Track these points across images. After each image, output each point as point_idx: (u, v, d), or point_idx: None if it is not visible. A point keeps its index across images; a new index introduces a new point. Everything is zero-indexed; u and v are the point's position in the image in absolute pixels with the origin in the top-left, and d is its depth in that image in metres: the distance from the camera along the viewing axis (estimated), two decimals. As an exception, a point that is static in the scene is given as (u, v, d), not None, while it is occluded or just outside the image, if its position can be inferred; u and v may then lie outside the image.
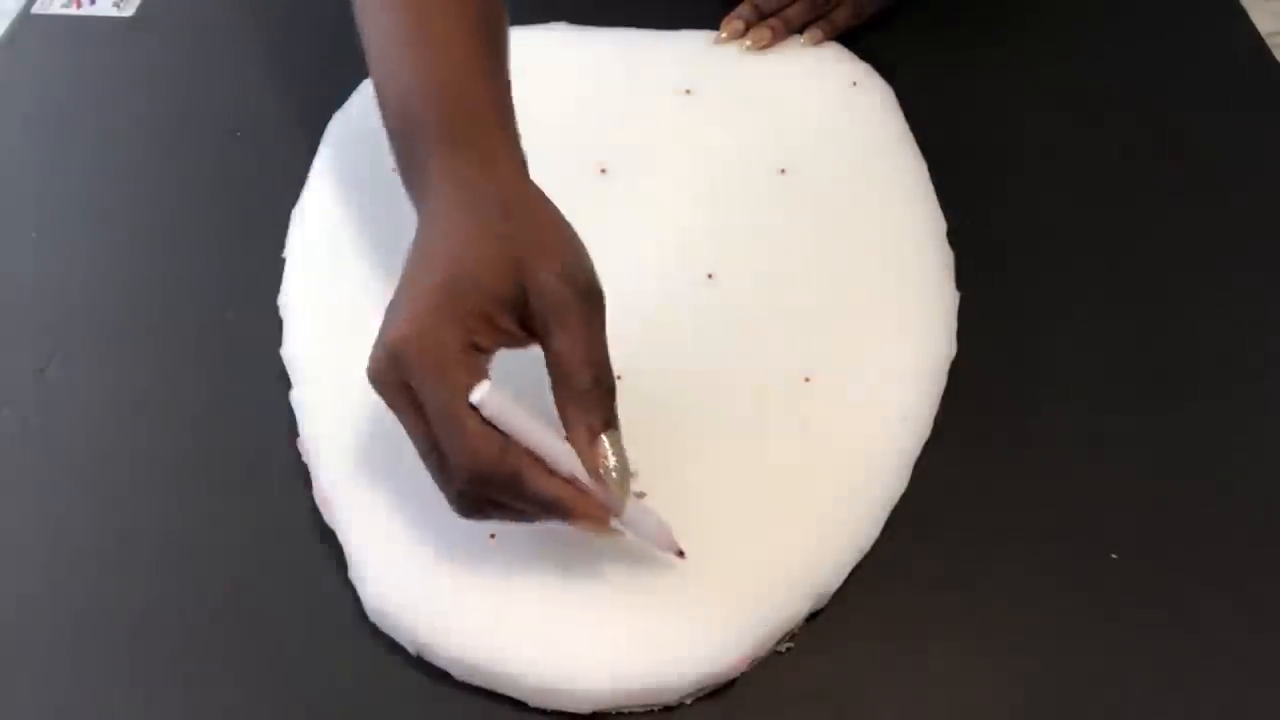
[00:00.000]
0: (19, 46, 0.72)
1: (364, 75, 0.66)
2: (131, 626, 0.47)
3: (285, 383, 0.53)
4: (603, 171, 0.61)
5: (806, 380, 0.52)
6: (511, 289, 0.41)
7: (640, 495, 0.45)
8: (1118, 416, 0.53)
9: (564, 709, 0.44)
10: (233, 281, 0.59)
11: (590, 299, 0.42)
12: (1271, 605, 0.47)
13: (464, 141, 0.46)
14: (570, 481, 0.41)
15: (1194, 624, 0.46)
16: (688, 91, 0.65)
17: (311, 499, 0.49)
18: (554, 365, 0.42)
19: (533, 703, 0.44)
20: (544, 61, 0.67)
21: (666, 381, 0.52)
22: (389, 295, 0.55)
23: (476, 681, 0.45)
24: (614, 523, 0.43)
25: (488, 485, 0.41)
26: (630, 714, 0.44)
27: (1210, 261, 0.59)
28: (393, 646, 0.46)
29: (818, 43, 0.67)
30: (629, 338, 0.53)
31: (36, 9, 0.74)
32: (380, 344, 0.41)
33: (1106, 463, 0.51)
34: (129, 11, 0.74)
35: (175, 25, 0.73)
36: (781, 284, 0.56)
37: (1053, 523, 0.49)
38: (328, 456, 0.50)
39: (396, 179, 0.60)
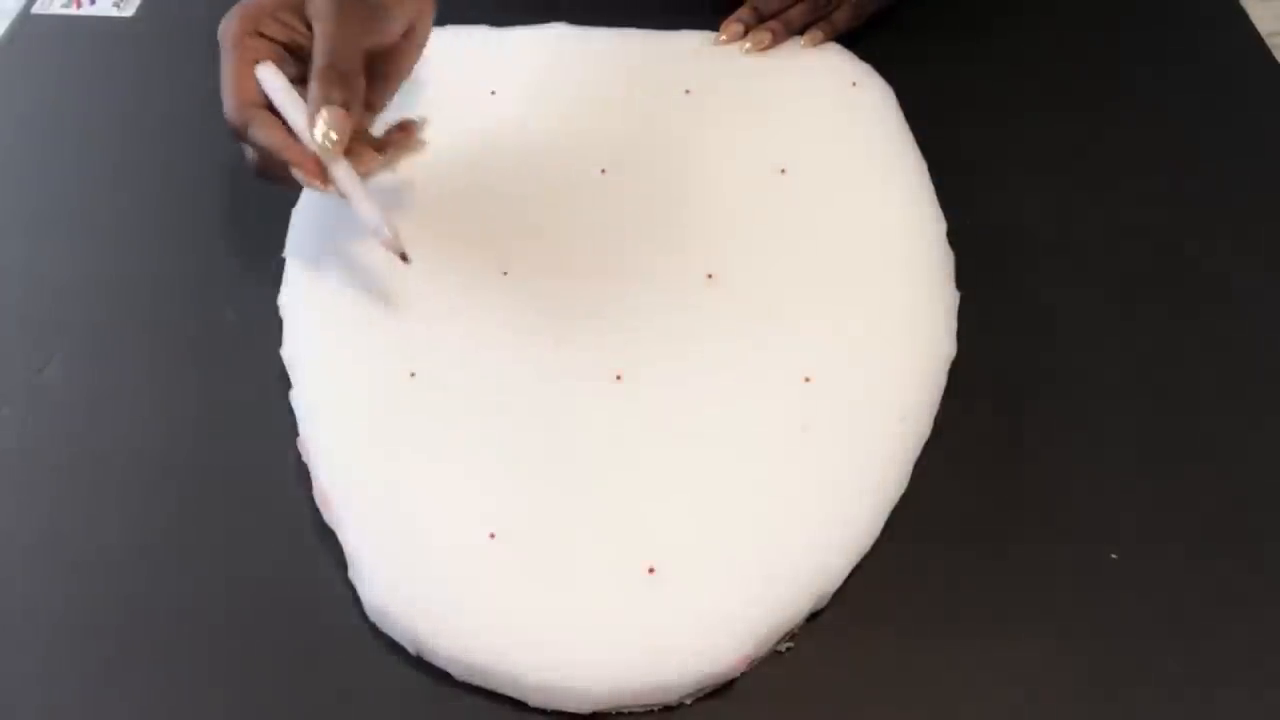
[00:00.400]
0: (19, 46, 0.72)
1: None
2: (131, 626, 0.47)
3: (285, 383, 0.53)
4: (602, 172, 0.61)
5: (806, 380, 0.52)
6: None
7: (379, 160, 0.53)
8: (1118, 416, 0.53)
9: (564, 709, 0.44)
10: (233, 281, 0.59)
11: (359, 2, 0.52)
12: (1272, 605, 0.47)
13: None
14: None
15: (1194, 624, 0.46)
16: (687, 92, 0.65)
17: (311, 499, 0.49)
18: (312, 52, 0.51)
19: (533, 702, 0.44)
20: (544, 61, 0.67)
21: (666, 382, 0.52)
22: (389, 295, 0.56)
23: (476, 681, 0.45)
24: (334, 186, 0.51)
25: (236, 125, 0.51)
26: (630, 714, 0.44)
27: (1210, 261, 0.59)
28: (393, 646, 0.46)
29: (818, 44, 0.67)
30: (629, 338, 0.53)
31: (36, 9, 0.74)
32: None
33: (1106, 463, 0.51)
34: (129, 11, 0.74)
35: (175, 25, 0.73)
36: (781, 284, 0.56)
37: (1053, 523, 0.49)
38: (328, 456, 0.50)
39: (396, 179, 0.61)
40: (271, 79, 0.51)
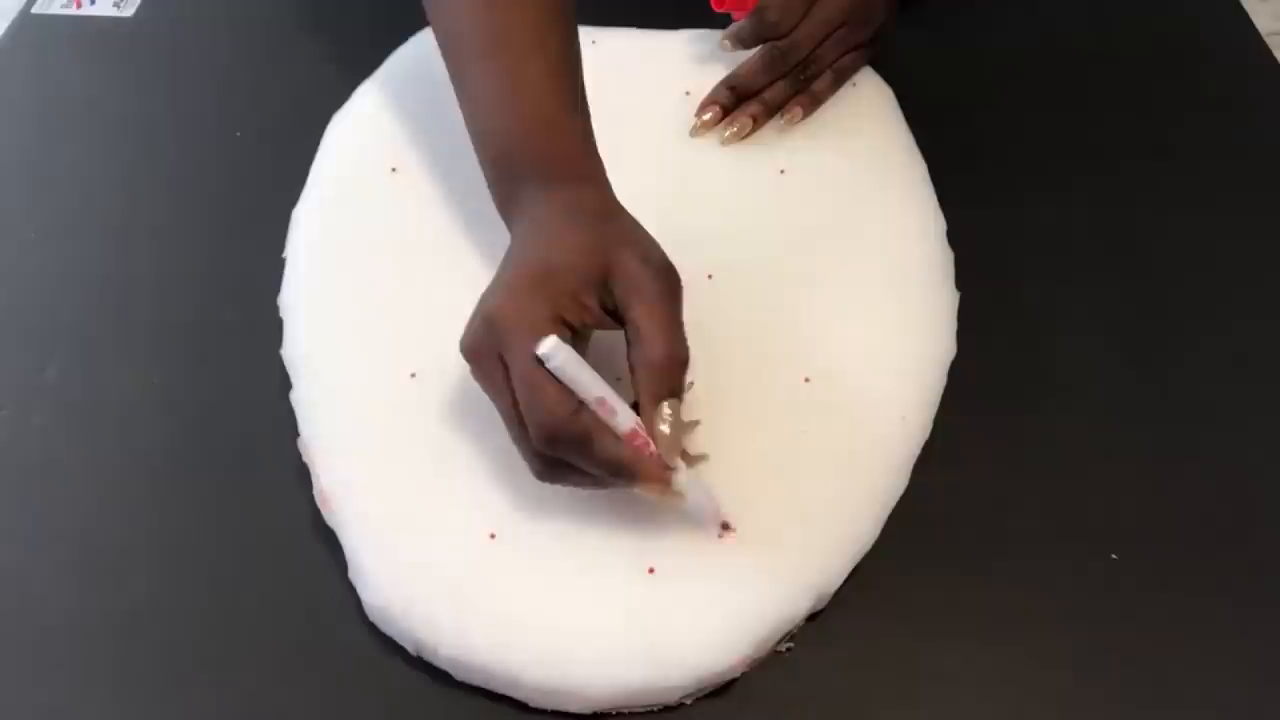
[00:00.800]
0: (19, 46, 0.72)
1: (364, 77, 0.66)
2: (131, 626, 0.47)
3: (285, 383, 0.53)
4: (603, 172, 0.60)
5: (806, 380, 0.52)
6: (597, 271, 0.45)
7: (700, 459, 0.46)
8: (1118, 416, 0.53)
9: (564, 709, 0.44)
10: (233, 281, 0.59)
11: (665, 277, 0.46)
12: (1273, 605, 0.47)
13: (558, 175, 0.50)
14: (631, 440, 0.44)
15: (1194, 624, 0.46)
16: (687, 93, 0.65)
17: (311, 499, 0.49)
18: (631, 336, 0.45)
19: (533, 703, 0.44)
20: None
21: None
22: (388, 295, 0.56)
23: (476, 681, 0.45)
24: (677, 492, 0.45)
25: (560, 444, 0.43)
26: (630, 714, 0.44)
27: (1210, 261, 0.59)
28: (393, 646, 0.46)
29: (798, 121, 0.62)
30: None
31: (36, 9, 0.74)
32: (476, 315, 0.46)
33: (1106, 463, 0.51)
34: (129, 11, 0.74)
35: (175, 25, 0.73)
36: (781, 284, 0.56)
37: (1053, 523, 0.49)
38: (328, 456, 0.50)
39: (396, 180, 0.61)
40: (570, 358, 0.43)
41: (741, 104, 0.63)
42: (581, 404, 0.43)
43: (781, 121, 0.63)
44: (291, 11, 0.73)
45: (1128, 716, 0.44)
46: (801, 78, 0.63)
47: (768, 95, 0.63)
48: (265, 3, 0.74)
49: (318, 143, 0.63)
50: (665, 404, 0.44)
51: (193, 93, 0.69)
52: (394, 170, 0.61)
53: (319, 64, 0.69)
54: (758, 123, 0.62)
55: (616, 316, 0.46)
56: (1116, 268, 0.59)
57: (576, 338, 0.45)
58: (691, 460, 0.46)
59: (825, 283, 0.56)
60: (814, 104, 0.64)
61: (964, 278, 0.57)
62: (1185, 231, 0.60)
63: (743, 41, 0.64)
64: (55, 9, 0.74)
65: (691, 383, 0.46)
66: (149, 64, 0.71)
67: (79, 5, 0.74)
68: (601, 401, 0.43)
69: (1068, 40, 0.71)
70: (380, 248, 0.58)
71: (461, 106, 0.55)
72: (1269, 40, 0.71)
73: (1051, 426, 0.52)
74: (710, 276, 0.56)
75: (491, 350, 0.45)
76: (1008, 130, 0.65)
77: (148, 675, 0.46)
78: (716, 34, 0.67)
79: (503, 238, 0.57)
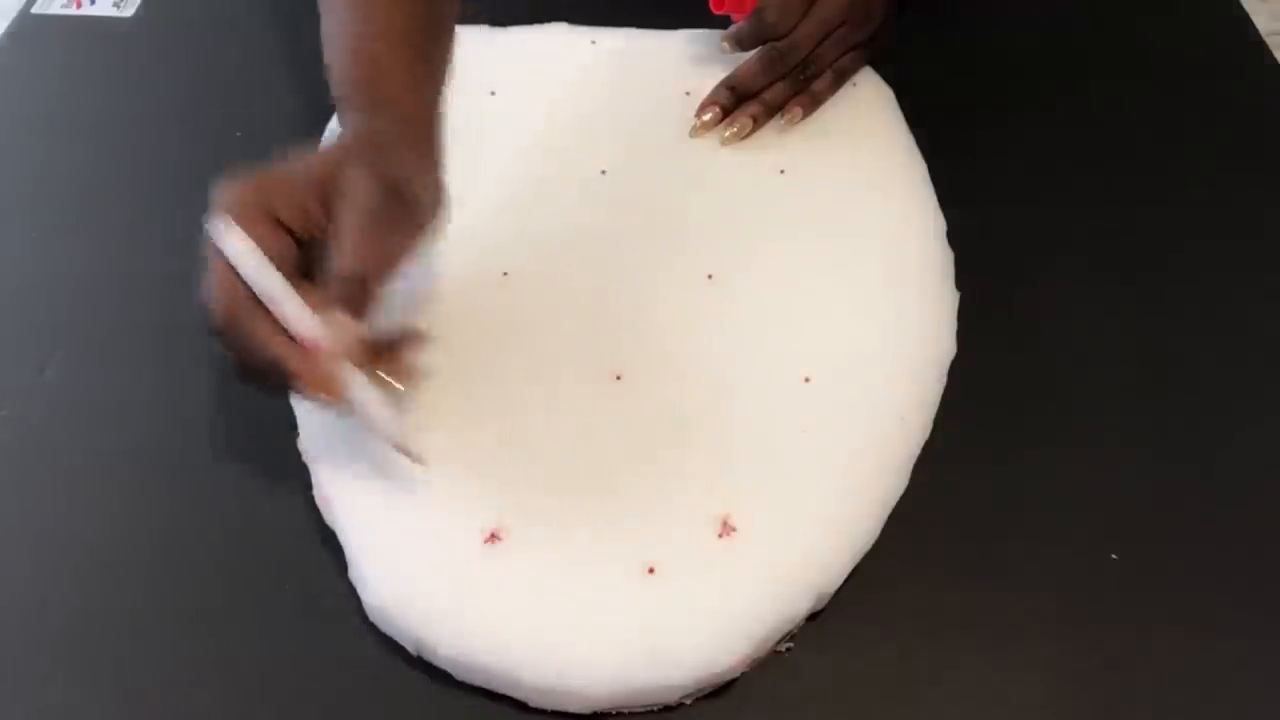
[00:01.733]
0: (19, 46, 0.72)
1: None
2: (130, 626, 0.47)
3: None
4: (603, 172, 0.61)
5: (806, 380, 0.52)
6: (327, 180, 0.45)
7: (402, 397, 0.46)
8: (1118, 416, 0.53)
9: (564, 709, 0.44)
10: (233, 281, 0.59)
11: (390, 198, 0.45)
12: (1272, 605, 0.47)
13: (356, 104, 0.50)
14: (302, 344, 0.43)
15: (1194, 624, 0.46)
16: (687, 93, 0.65)
17: (311, 499, 0.49)
18: (333, 247, 0.44)
19: (533, 703, 0.44)
20: (544, 61, 0.67)
21: (666, 382, 0.52)
22: (388, 294, 0.55)
23: (476, 681, 0.45)
24: (346, 400, 0.44)
25: (222, 334, 0.43)
26: (630, 714, 0.44)
27: (1210, 261, 0.59)
28: (393, 646, 0.46)
29: (798, 121, 0.63)
30: (629, 338, 0.53)
31: (36, 9, 0.74)
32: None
33: (1106, 463, 0.51)
34: (129, 11, 0.74)
35: (175, 25, 0.73)
36: (781, 284, 0.56)
37: (1053, 523, 0.49)
38: (328, 456, 0.50)
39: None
40: (244, 249, 0.43)
41: (741, 104, 0.63)
42: (254, 298, 0.43)
43: (781, 122, 0.63)
44: (292, 11, 0.73)
45: (1128, 716, 0.44)
46: (801, 78, 0.63)
47: (768, 96, 0.63)
48: (265, 3, 0.74)
49: (318, 143, 0.63)
50: (334, 316, 0.43)
51: (193, 93, 0.69)
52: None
53: (319, 64, 0.69)
54: (758, 123, 0.62)
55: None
56: (1116, 268, 0.59)
57: (306, 248, 0.45)
58: (379, 380, 0.45)
59: (825, 283, 0.56)
60: (814, 104, 0.64)
61: (964, 278, 0.57)
62: (1185, 231, 0.60)
63: (742, 43, 0.64)
64: (55, 9, 0.74)
65: (429, 333, 0.46)
66: (149, 64, 0.71)
67: (79, 5, 0.74)
68: (270, 298, 0.43)
69: (1068, 40, 0.71)
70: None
71: (323, 20, 0.55)
72: (1269, 40, 0.71)
73: (1051, 426, 0.52)
74: (710, 276, 0.56)
75: (228, 206, 0.45)
76: (1008, 130, 0.65)
77: (147, 675, 0.46)
78: (716, 34, 0.67)
79: (503, 238, 0.57)
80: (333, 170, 0.45)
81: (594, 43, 0.68)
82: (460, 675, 0.45)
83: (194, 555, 0.49)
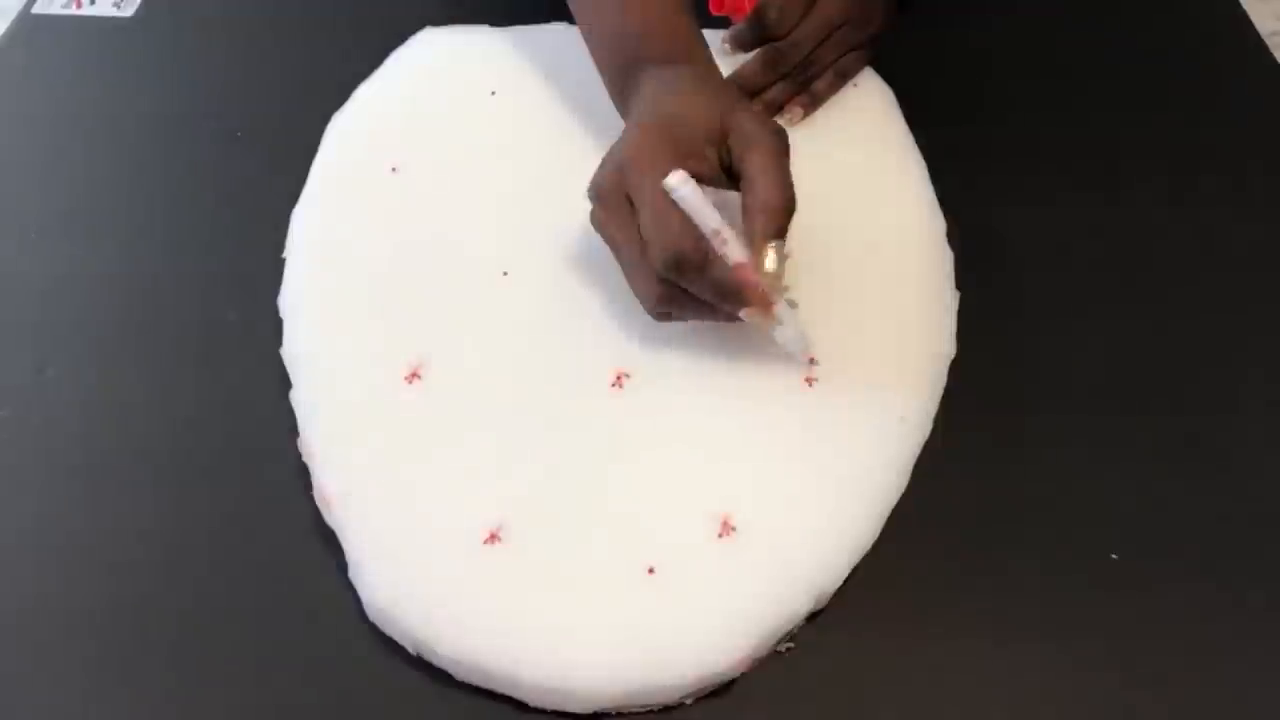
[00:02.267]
0: (19, 46, 0.72)
1: (364, 77, 0.66)
2: (131, 626, 0.47)
3: (285, 383, 0.53)
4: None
5: (807, 381, 0.52)
6: (716, 128, 0.51)
7: (793, 304, 0.50)
8: (1118, 416, 0.53)
9: (564, 709, 0.44)
10: (233, 281, 0.59)
11: (779, 137, 0.50)
12: (1272, 604, 0.47)
13: (676, 58, 0.55)
14: (740, 270, 0.48)
15: (1194, 624, 0.46)
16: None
17: (311, 499, 0.49)
18: (746, 184, 0.49)
19: (533, 702, 0.44)
20: (544, 61, 0.67)
21: (666, 382, 0.52)
22: (389, 295, 0.56)
23: (476, 681, 0.45)
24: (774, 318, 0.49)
25: (681, 268, 0.47)
26: (630, 714, 0.44)
27: (1210, 261, 0.59)
28: (393, 646, 0.46)
29: (798, 121, 0.63)
30: (629, 338, 0.53)
31: (36, 9, 0.74)
32: (607, 163, 0.51)
33: (1106, 463, 0.51)
34: (129, 11, 0.74)
35: (175, 25, 0.73)
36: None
37: (1053, 523, 0.49)
38: (328, 456, 0.50)
39: (396, 180, 0.61)
40: (695, 191, 0.48)
41: None
42: (701, 235, 0.48)
43: (782, 121, 0.63)
44: (292, 11, 0.73)
45: (1128, 716, 0.44)
46: (802, 78, 0.63)
47: (768, 95, 0.63)
48: (265, 3, 0.74)
49: (318, 143, 0.63)
50: (772, 243, 0.48)
51: (193, 93, 0.69)
52: (394, 170, 0.61)
53: (319, 64, 0.69)
54: None
55: (731, 175, 0.50)
56: (1116, 268, 0.59)
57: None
58: (789, 300, 0.50)
59: (825, 283, 0.56)
60: (814, 104, 0.64)
61: (964, 278, 0.57)
62: (1185, 231, 0.60)
63: (743, 44, 0.64)
64: (55, 9, 0.74)
65: (789, 252, 0.49)
66: (149, 64, 0.71)
67: (79, 5, 0.74)
68: (718, 233, 0.48)
69: (1068, 40, 0.71)
70: (380, 248, 0.58)
71: (581, 22, 0.61)
72: (1269, 40, 0.71)
73: (1051, 426, 0.52)
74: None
75: (619, 189, 0.50)
76: (1008, 130, 0.65)
77: (147, 675, 0.46)
78: (716, 34, 0.67)
79: (500, 236, 0.57)
80: (724, 118, 0.50)
81: (594, 43, 0.68)
82: (460, 675, 0.45)
83: (194, 555, 0.49)
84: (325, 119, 0.64)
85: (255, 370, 0.54)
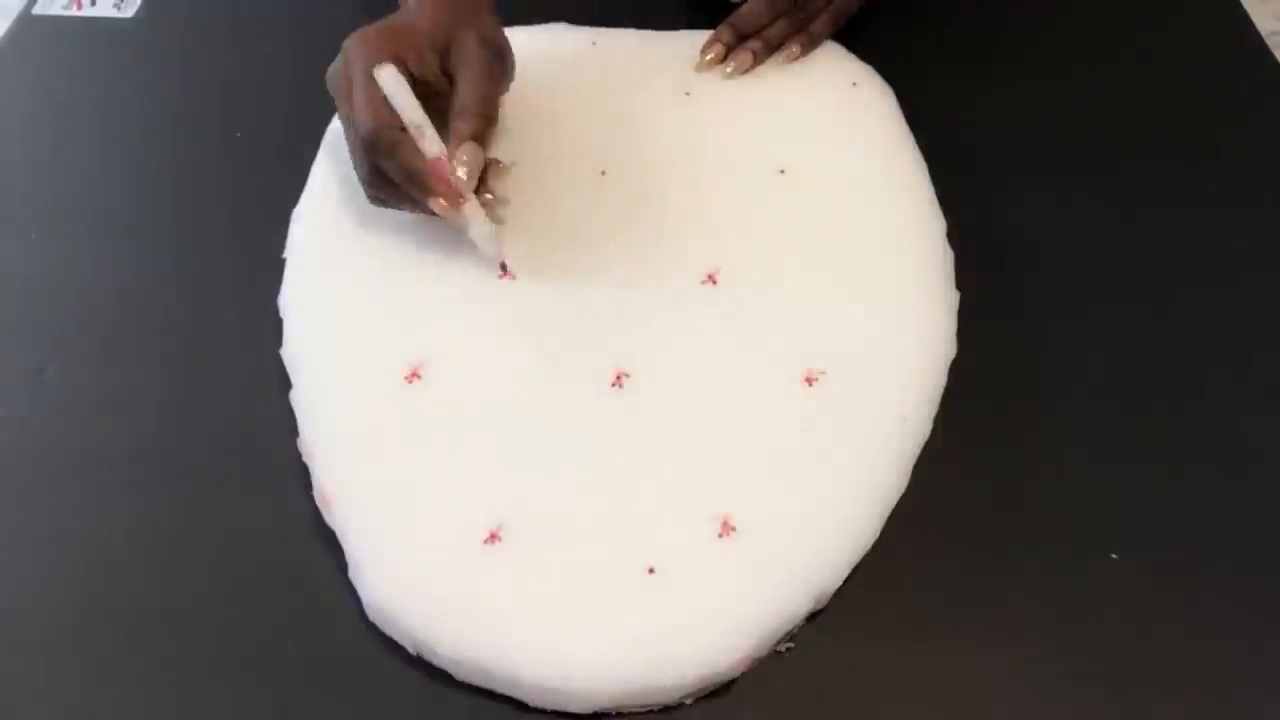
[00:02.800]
0: (19, 46, 0.72)
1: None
2: (131, 626, 0.47)
3: (285, 383, 0.53)
4: (602, 173, 0.61)
5: (806, 381, 0.52)
6: (443, 39, 0.56)
7: (497, 203, 0.55)
8: (1118, 416, 0.53)
9: (564, 709, 0.44)
10: (233, 281, 0.59)
11: (498, 59, 0.57)
12: (1272, 604, 0.47)
13: None
14: (434, 165, 0.52)
15: (1194, 624, 0.46)
16: (687, 93, 0.65)
17: (311, 499, 0.49)
18: (456, 96, 0.55)
19: (532, 703, 0.44)
20: (544, 62, 0.67)
21: (666, 382, 0.52)
22: (388, 295, 0.56)
23: (476, 681, 0.45)
24: (463, 214, 0.52)
25: (375, 148, 0.52)
26: (630, 714, 0.44)
27: (1210, 261, 0.59)
28: (393, 646, 0.46)
29: (796, 59, 0.66)
30: (629, 338, 0.53)
31: (37, 9, 0.75)
32: (342, 51, 0.55)
33: (1106, 463, 0.51)
34: (129, 12, 0.74)
35: (175, 25, 0.73)
36: (781, 284, 0.56)
37: (1053, 523, 0.49)
38: (328, 456, 0.50)
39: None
40: (399, 83, 0.52)
41: (743, 42, 0.66)
42: (402, 126, 0.52)
43: (780, 58, 0.66)
44: (292, 11, 0.73)
45: (1127, 716, 0.44)
46: (800, 16, 0.67)
47: (768, 33, 0.66)
48: (265, 3, 0.74)
49: (318, 143, 0.63)
50: (467, 145, 0.52)
51: (193, 93, 0.69)
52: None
53: (319, 64, 0.69)
54: (757, 59, 0.66)
55: (450, 76, 0.55)
56: (1116, 267, 0.59)
57: (417, 91, 0.53)
58: (486, 202, 0.54)
59: (825, 283, 0.56)
60: (812, 43, 0.67)
61: (964, 278, 0.57)
62: (1185, 231, 0.60)
63: None
64: (55, 9, 0.74)
65: (515, 163, 0.56)
66: (149, 64, 0.71)
67: (79, 6, 0.74)
68: (418, 128, 0.52)
69: (1068, 40, 0.71)
70: (380, 248, 0.58)
71: None
72: (1269, 40, 0.71)
73: (1051, 426, 0.52)
74: (710, 276, 0.56)
75: (344, 75, 0.54)
76: (1008, 130, 0.65)
77: (147, 675, 0.46)
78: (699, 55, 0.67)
79: (503, 233, 0.57)
80: (449, 32, 0.55)
81: (594, 43, 0.68)
82: (460, 675, 0.45)
83: (194, 555, 0.49)
84: (325, 119, 0.64)
85: (255, 370, 0.54)
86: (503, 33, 0.58)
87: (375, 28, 0.56)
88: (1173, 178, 0.63)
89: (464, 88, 0.54)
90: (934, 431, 0.51)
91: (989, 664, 0.46)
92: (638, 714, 0.44)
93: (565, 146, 0.62)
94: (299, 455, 0.51)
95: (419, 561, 0.47)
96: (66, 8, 0.74)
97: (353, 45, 0.55)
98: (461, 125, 0.53)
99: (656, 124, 0.63)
